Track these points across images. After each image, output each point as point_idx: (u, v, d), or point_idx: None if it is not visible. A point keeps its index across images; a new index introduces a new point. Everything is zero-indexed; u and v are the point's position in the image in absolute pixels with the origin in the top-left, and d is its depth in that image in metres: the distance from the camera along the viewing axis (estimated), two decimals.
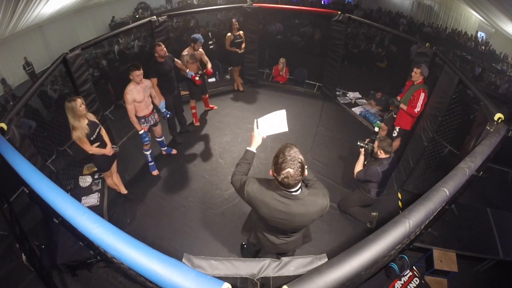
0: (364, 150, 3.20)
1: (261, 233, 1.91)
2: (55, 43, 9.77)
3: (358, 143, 3.22)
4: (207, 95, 5.07)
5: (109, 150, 3.06)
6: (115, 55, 8.48)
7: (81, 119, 2.74)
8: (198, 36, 4.17)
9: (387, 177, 3.03)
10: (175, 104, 4.17)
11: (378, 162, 2.96)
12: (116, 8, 12.54)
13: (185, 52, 4.14)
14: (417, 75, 3.50)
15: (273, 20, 8.91)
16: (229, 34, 5.12)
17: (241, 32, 5.22)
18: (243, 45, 5.25)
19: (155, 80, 3.65)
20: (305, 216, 1.58)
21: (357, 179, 3.13)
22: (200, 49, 4.28)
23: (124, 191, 3.55)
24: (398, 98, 3.79)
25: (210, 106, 5.26)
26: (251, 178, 1.68)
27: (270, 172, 1.50)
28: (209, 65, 4.29)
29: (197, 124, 4.88)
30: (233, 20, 5.26)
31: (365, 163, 3.19)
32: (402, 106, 3.64)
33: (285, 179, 1.40)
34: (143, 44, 8.83)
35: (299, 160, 1.40)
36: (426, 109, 3.42)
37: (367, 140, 3.27)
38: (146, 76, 3.36)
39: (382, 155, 2.92)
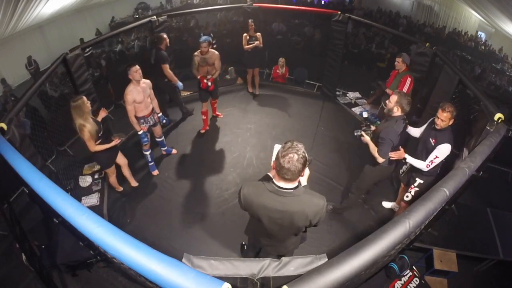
0: (366, 133, 2.85)
1: (262, 237, 1.93)
2: (55, 43, 9.77)
3: (356, 133, 2.91)
4: (216, 100, 4.75)
5: (115, 142, 3.05)
6: (116, 55, 8.47)
7: (88, 116, 2.79)
8: (203, 37, 3.92)
9: (402, 140, 2.71)
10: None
11: (393, 121, 2.64)
12: (116, 8, 12.53)
13: (195, 53, 4.00)
14: (400, 64, 3.77)
15: (274, 20, 8.90)
16: (245, 34, 4.98)
17: (258, 33, 4.99)
18: (255, 44, 4.99)
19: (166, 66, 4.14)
20: (302, 215, 1.58)
21: (385, 157, 2.68)
22: (214, 52, 4.01)
23: (134, 183, 3.67)
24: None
25: (217, 113, 5.00)
26: (246, 182, 1.70)
27: (272, 164, 1.52)
28: (215, 74, 4.10)
29: (203, 131, 4.66)
30: (250, 21, 4.95)
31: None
32: (388, 90, 3.82)
33: (287, 164, 1.41)
34: (143, 44, 8.82)
35: (303, 151, 1.44)
36: (426, 109, 3.43)
37: (363, 128, 2.93)
38: (145, 76, 3.37)
39: (398, 112, 2.62)
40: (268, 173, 1.86)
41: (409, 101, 2.61)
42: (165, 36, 4.22)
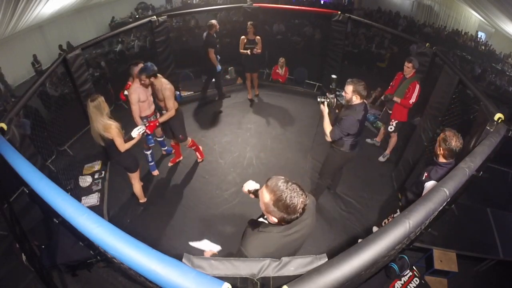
0: (328, 105, 2.81)
1: None
2: (55, 43, 9.77)
3: (318, 99, 2.82)
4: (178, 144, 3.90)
5: (139, 136, 2.92)
6: (116, 55, 8.47)
7: (107, 115, 2.71)
8: (146, 65, 2.98)
9: (362, 126, 2.74)
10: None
11: (352, 110, 2.65)
12: (116, 8, 12.53)
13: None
14: (409, 69, 3.63)
15: (274, 21, 8.89)
16: (243, 37, 4.84)
17: (258, 37, 4.80)
18: (255, 50, 4.84)
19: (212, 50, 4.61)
20: (313, 217, 1.53)
21: (333, 139, 2.76)
22: (163, 84, 3.06)
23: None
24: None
25: (174, 159, 4.07)
26: (240, 249, 1.42)
27: (274, 219, 1.32)
28: (163, 117, 3.21)
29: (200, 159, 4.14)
30: (249, 23, 4.75)
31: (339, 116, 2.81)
32: (396, 99, 3.74)
33: (300, 210, 1.28)
34: (143, 44, 8.82)
35: (296, 184, 1.30)
36: (426, 109, 3.42)
37: (327, 94, 2.85)
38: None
39: (357, 100, 2.62)
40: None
41: (364, 85, 2.59)
42: (215, 23, 4.67)
